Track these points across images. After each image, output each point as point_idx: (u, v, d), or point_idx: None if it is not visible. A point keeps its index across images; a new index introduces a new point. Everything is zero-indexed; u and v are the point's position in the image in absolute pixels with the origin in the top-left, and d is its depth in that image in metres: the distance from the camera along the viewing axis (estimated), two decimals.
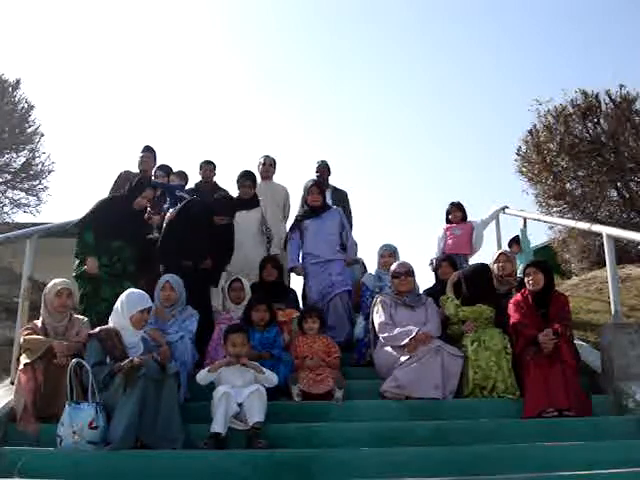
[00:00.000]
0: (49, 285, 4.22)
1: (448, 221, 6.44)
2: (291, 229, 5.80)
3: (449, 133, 33.78)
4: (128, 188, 5.17)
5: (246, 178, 6.04)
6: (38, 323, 4.10)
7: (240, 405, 3.61)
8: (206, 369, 3.82)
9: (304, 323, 4.52)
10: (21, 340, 3.98)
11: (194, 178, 6.89)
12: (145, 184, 5.13)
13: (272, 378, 3.82)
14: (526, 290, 4.48)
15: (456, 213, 6.38)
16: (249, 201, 5.97)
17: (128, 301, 3.83)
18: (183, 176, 6.38)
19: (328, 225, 5.61)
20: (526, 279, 4.46)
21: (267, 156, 6.86)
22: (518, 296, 4.54)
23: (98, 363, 3.59)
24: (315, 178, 5.94)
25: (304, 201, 5.94)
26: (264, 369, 3.81)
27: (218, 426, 3.49)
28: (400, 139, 33.84)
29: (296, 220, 5.83)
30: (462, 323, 4.46)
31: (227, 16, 34.48)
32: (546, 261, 4.81)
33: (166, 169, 6.53)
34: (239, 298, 4.79)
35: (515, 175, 9.16)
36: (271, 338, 4.35)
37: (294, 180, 6.90)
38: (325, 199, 5.90)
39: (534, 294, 4.41)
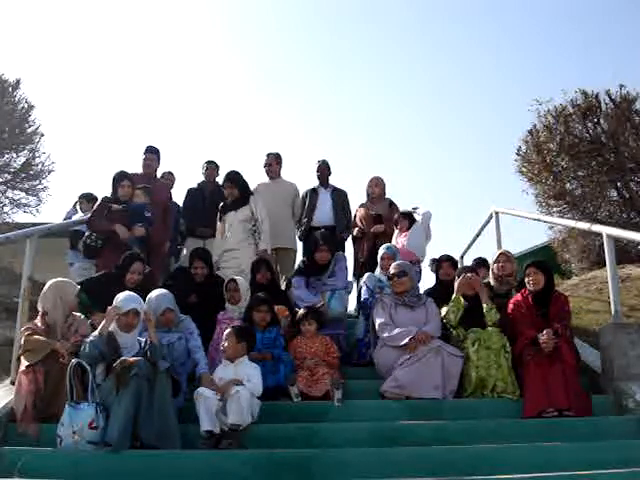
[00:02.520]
0: (64, 285, 4.24)
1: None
2: (298, 275, 5.28)
3: (449, 133, 33.84)
4: (117, 266, 4.84)
5: (225, 180, 5.98)
6: (38, 322, 4.10)
7: (223, 401, 3.60)
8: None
9: (301, 325, 4.53)
10: (22, 340, 3.97)
11: (195, 178, 6.91)
12: (133, 257, 4.85)
13: (255, 391, 3.72)
14: (526, 290, 4.48)
15: (403, 222, 6.19)
16: (234, 202, 5.88)
17: (115, 304, 3.89)
18: (148, 192, 5.88)
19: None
20: (526, 279, 4.46)
21: (270, 153, 6.84)
22: (518, 296, 4.54)
23: (89, 358, 3.61)
24: (324, 233, 5.42)
25: (310, 255, 5.31)
26: (252, 378, 3.74)
27: (205, 424, 3.51)
28: (400, 139, 33.88)
29: (305, 273, 5.25)
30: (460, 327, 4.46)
31: (227, 16, 34.52)
32: (546, 261, 4.81)
33: (131, 180, 5.94)
34: (234, 298, 4.78)
35: (515, 175, 9.15)
36: (272, 338, 4.34)
37: (294, 180, 6.91)
38: (332, 257, 5.26)
39: (534, 294, 4.41)
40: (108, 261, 5.24)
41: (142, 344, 3.80)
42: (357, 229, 6.59)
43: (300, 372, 4.20)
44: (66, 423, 3.40)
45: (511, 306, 4.51)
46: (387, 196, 6.84)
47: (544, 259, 5.00)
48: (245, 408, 3.57)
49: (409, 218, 6.27)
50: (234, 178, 5.89)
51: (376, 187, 6.66)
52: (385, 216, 6.56)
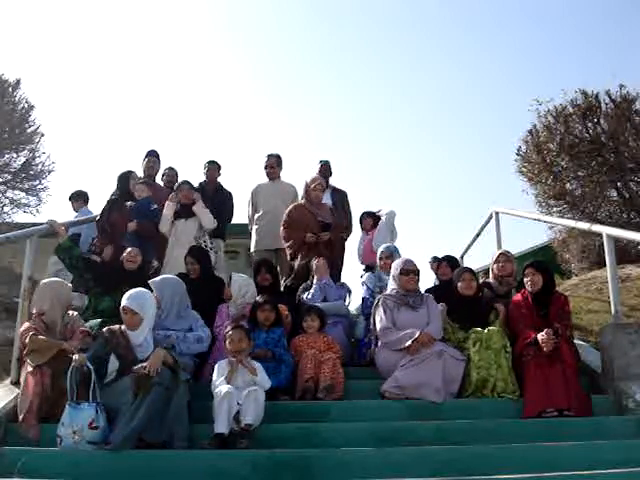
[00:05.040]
0: (59, 285, 4.26)
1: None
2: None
3: (449, 133, 33.85)
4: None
5: (184, 183, 6.10)
6: (38, 322, 4.09)
7: (239, 405, 3.59)
8: (223, 380, 3.68)
9: (303, 322, 4.52)
10: (26, 340, 3.93)
11: (196, 178, 6.90)
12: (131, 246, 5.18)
13: (265, 383, 3.74)
14: (526, 290, 4.48)
15: (367, 220, 6.29)
16: (187, 208, 5.95)
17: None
18: (148, 185, 6.24)
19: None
20: (525, 280, 4.45)
21: (271, 155, 6.81)
22: (518, 296, 4.54)
23: (96, 357, 3.59)
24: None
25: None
26: (258, 372, 3.74)
27: (221, 426, 3.45)
28: (400, 139, 33.87)
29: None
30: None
31: (228, 17, 34.52)
32: (545, 262, 4.80)
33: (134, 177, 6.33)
34: (225, 295, 4.77)
35: (515, 175, 9.16)
36: (276, 338, 4.32)
37: (293, 181, 6.91)
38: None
39: (533, 294, 4.41)
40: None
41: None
42: (310, 235, 5.71)
43: (303, 367, 4.17)
44: (66, 423, 3.39)
45: (511, 306, 4.51)
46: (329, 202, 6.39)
47: (543, 259, 5.01)
48: (262, 407, 3.58)
49: (373, 217, 6.23)
50: (191, 184, 6.16)
51: (320, 191, 6.00)
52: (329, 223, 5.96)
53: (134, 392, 3.46)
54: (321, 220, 5.83)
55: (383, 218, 6.41)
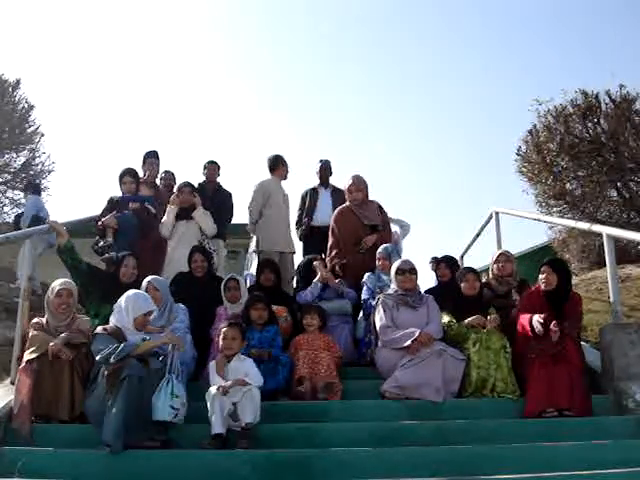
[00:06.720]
0: (51, 287, 4.23)
1: None
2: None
3: (450, 133, 33.87)
4: (114, 265, 5.07)
5: (186, 185, 6.05)
6: (43, 320, 4.10)
7: (234, 404, 3.57)
8: (214, 373, 3.73)
9: (303, 320, 4.52)
10: (30, 334, 3.96)
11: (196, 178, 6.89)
12: (127, 254, 4.97)
13: (256, 380, 3.70)
14: (539, 287, 4.45)
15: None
16: (188, 211, 5.94)
17: (135, 304, 3.86)
18: (152, 185, 6.32)
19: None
20: (540, 277, 4.43)
21: (284, 160, 6.78)
22: (532, 290, 4.54)
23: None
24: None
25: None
26: (249, 368, 3.74)
27: (217, 426, 3.47)
28: (401, 139, 33.90)
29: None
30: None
31: (228, 16, 34.54)
32: (563, 261, 4.74)
33: (135, 175, 6.29)
34: (234, 297, 4.77)
35: (515, 175, 9.16)
36: (270, 337, 4.31)
37: (290, 181, 6.86)
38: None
39: (547, 292, 4.39)
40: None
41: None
42: (337, 262, 5.48)
43: (302, 366, 4.16)
44: (181, 395, 3.55)
45: (525, 302, 4.49)
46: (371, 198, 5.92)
47: (561, 259, 4.95)
48: (258, 404, 3.57)
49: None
50: (194, 186, 6.13)
51: (358, 192, 5.70)
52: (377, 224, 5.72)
53: (107, 390, 3.47)
54: (367, 222, 5.63)
55: (396, 228, 6.42)
